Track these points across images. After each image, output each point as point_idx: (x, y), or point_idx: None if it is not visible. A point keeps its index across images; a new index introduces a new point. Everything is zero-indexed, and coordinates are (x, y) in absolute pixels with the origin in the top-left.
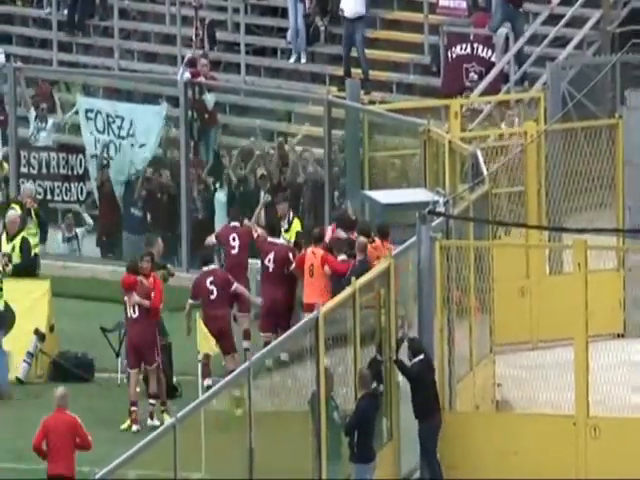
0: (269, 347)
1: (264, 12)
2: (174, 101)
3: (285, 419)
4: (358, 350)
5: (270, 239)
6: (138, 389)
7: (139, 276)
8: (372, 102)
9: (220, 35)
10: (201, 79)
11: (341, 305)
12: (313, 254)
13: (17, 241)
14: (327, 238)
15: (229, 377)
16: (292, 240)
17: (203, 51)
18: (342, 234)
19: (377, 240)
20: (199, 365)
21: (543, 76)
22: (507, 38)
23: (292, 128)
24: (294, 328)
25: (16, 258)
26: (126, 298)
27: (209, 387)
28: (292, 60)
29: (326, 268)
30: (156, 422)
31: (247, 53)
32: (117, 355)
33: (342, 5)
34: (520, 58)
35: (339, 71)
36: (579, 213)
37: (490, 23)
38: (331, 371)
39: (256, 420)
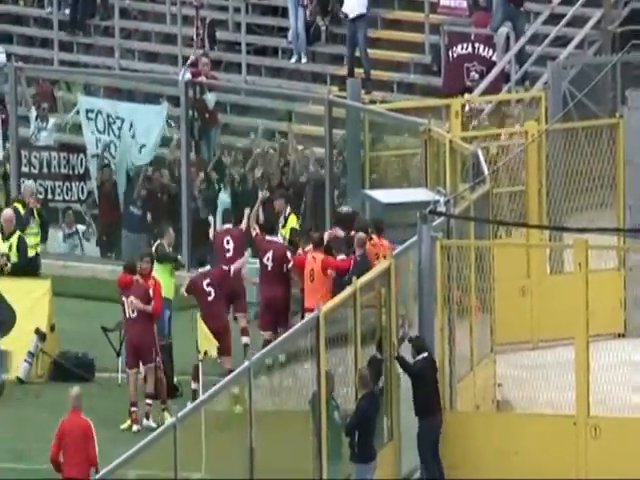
0: (269, 347)
1: (265, 12)
2: (175, 101)
3: (286, 419)
4: (359, 350)
5: (268, 237)
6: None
7: (135, 276)
8: (373, 102)
9: (221, 35)
10: (202, 79)
11: (342, 304)
12: (313, 259)
13: (14, 240)
14: (325, 235)
15: (229, 377)
16: (287, 236)
17: (204, 50)
18: (340, 232)
19: (375, 237)
20: (200, 364)
21: (544, 75)
22: (508, 37)
23: (293, 128)
24: (295, 328)
25: (13, 257)
26: (124, 298)
27: (195, 391)
28: (293, 60)
29: (330, 272)
30: (152, 423)
31: (248, 53)
32: (118, 355)
33: (344, 8)
34: (521, 57)
35: (340, 71)
36: (580, 213)
37: (491, 22)
38: (332, 371)
39: (257, 420)
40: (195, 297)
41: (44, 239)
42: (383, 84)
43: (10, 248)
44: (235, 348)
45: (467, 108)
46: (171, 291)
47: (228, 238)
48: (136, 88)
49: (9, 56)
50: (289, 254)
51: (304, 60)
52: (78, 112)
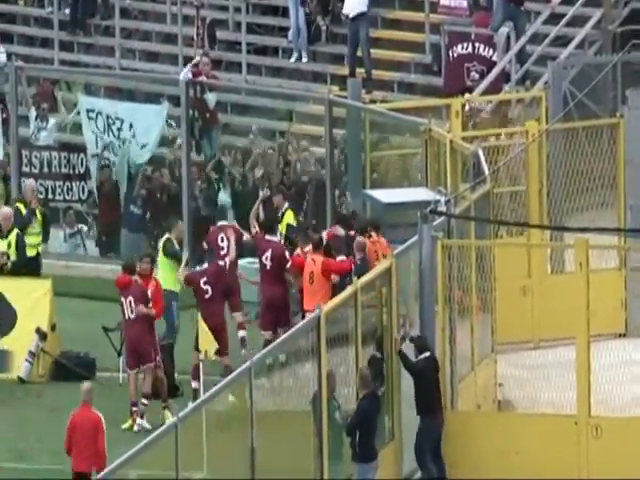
0: (270, 347)
1: (265, 11)
2: (175, 100)
3: (287, 419)
4: (360, 350)
5: (267, 237)
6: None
7: (134, 276)
8: (373, 101)
9: (221, 34)
10: (202, 78)
11: (343, 304)
12: (313, 261)
13: (12, 238)
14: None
15: (230, 376)
16: (283, 232)
17: (204, 50)
18: (341, 231)
19: (374, 235)
20: (200, 364)
21: (544, 75)
22: (508, 37)
23: (294, 127)
24: (295, 328)
25: (12, 255)
26: (122, 299)
27: (195, 391)
28: (293, 59)
29: (333, 277)
30: (145, 423)
31: (248, 52)
32: (119, 354)
33: (344, 9)
34: (521, 57)
35: (340, 70)
36: (580, 212)
37: (491, 22)
38: (333, 371)
39: (258, 420)
40: (194, 293)
41: (45, 239)
42: (383, 84)
43: (9, 246)
44: (232, 343)
45: (467, 108)
46: (177, 284)
47: (222, 235)
48: (137, 88)
49: (9, 56)
50: (287, 254)
51: (304, 59)
52: (79, 112)
